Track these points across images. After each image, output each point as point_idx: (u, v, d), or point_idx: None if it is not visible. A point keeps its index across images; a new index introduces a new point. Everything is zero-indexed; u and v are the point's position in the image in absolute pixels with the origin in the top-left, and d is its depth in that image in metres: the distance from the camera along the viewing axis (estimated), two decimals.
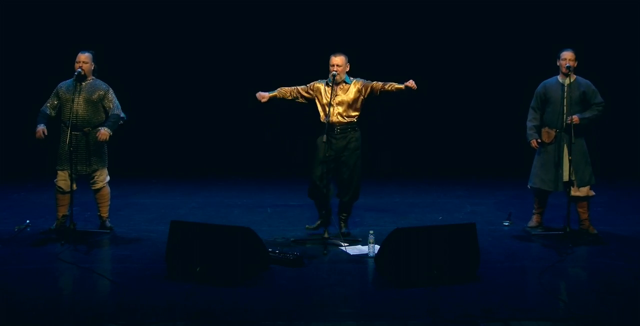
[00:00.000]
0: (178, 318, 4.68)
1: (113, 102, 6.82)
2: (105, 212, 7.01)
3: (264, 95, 6.68)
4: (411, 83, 6.46)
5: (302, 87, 6.75)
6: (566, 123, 6.73)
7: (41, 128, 6.68)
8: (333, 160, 6.62)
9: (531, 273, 5.76)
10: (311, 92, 6.72)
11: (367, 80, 6.71)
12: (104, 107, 6.81)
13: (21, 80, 10.18)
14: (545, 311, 4.87)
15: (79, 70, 6.67)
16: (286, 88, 6.76)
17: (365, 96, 6.67)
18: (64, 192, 6.74)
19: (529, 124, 6.96)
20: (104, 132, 6.65)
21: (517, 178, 7.47)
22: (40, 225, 7.12)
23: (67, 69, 6.86)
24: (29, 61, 10.19)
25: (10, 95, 10.26)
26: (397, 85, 6.60)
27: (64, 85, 6.82)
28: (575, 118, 6.67)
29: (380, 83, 6.66)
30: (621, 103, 10.16)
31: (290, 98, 6.77)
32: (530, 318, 4.70)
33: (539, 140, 6.87)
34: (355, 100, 6.66)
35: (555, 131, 6.83)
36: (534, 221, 7.21)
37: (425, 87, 10.50)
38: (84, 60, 6.71)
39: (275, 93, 6.74)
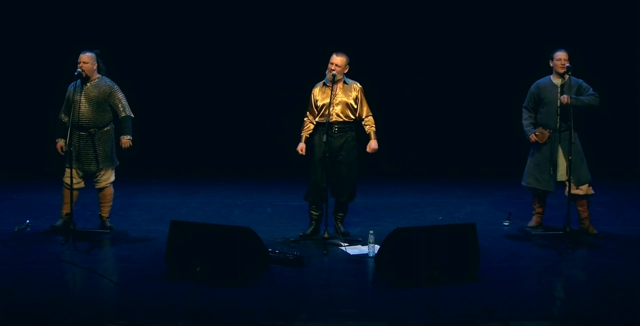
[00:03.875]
0: (178, 318, 4.68)
1: (121, 101, 6.81)
2: (106, 212, 7.02)
3: (302, 147, 6.74)
4: (371, 147, 6.68)
5: (309, 111, 6.78)
6: (560, 123, 6.74)
7: (61, 143, 6.78)
8: (330, 160, 6.61)
9: (531, 273, 5.77)
10: (314, 103, 6.74)
11: (365, 95, 6.73)
12: (111, 106, 6.81)
13: (22, 80, 10.16)
14: (545, 311, 4.87)
15: (79, 70, 6.67)
16: (305, 124, 6.80)
17: (356, 106, 6.74)
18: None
19: (525, 122, 6.97)
20: (126, 141, 6.74)
21: (517, 178, 7.46)
22: (40, 225, 7.12)
23: (69, 69, 6.86)
24: (30, 61, 10.17)
25: (10, 95, 10.25)
26: (372, 132, 6.72)
27: (72, 87, 6.82)
28: (566, 98, 6.64)
29: (368, 114, 6.73)
30: (621, 103, 10.16)
31: (314, 124, 6.80)
32: (530, 318, 4.71)
33: (537, 134, 6.86)
34: (353, 103, 6.67)
35: (550, 131, 6.83)
36: (533, 221, 7.21)
37: (425, 87, 10.61)
38: (85, 60, 6.71)
39: (305, 136, 6.77)
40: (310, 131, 6.80)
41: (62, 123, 6.85)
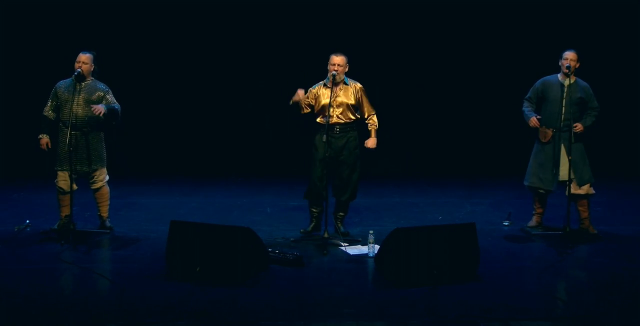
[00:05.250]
0: (178, 318, 4.68)
1: (112, 102, 6.82)
2: (105, 212, 7.01)
3: (301, 94, 6.62)
4: (370, 144, 6.73)
5: (307, 98, 6.78)
6: (564, 123, 6.74)
7: (45, 139, 6.75)
8: (332, 160, 6.62)
9: (531, 273, 5.77)
10: (312, 100, 6.75)
11: (366, 95, 6.73)
12: None
13: (21, 80, 10.17)
14: (545, 311, 4.87)
15: (78, 70, 6.67)
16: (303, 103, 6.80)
17: (357, 106, 6.76)
18: (64, 193, 6.74)
19: (526, 109, 6.97)
20: (100, 107, 6.56)
21: (517, 178, 7.47)
22: (40, 225, 7.12)
23: (67, 69, 6.86)
24: (29, 61, 10.18)
25: (10, 95, 10.26)
26: (373, 129, 6.75)
27: (62, 85, 6.82)
28: (580, 127, 6.69)
29: (370, 113, 6.75)
30: (621, 103, 10.17)
31: (303, 109, 6.78)
32: (530, 318, 4.71)
33: (539, 117, 6.85)
34: (354, 104, 6.68)
35: (553, 131, 6.83)
36: (533, 221, 7.21)
37: (425, 87, 10.61)
38: (84, 60, 6.70)
39: (301, 100, 6.72)
40: (303, 103, 6.71)
41: (47, 120, 6.83)
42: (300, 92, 6.62)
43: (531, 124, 6.87)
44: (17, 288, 5.28)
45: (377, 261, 5.61)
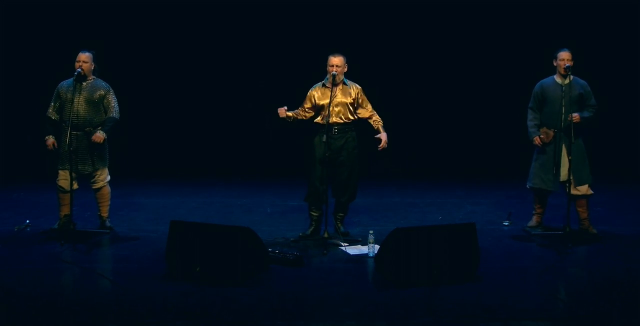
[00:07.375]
0: (178, 318, 4.68)
1: (112, 103, 6.83)
2: (105, 212, 7.01)
3: (282, 111, 6.69)
4: (383, 143, 6.65)
5: (304, 105, 6.79)
6: (565, 123, 6.74)
7: (51, 140, 6.77)
8: (330, 161, 6.61)
9: (531, 273, 5.77)
10: (311, 102, 6.75)
11: (365, 95, 6.73)
12: (104, 107, 6.83)
13: (21, 80, 10.17)
14: (545, 311, 4.87)
15: (79, 69, 6.67)
16: (298, 111, 6.82)
17: (356, 106, 6.73)
18: (65, 191, 6.74)
19: (530, 123, 6.96)
20: (99, 135, 6.69)
21: (517, 178, 7.48)
22: (40, 225, 7.12)
23: (67, 69, 6.86)
24: (29, 61, 10.17)
25: (10, 95, 10.25)
26: (379, 127, 6.70)
27: (64, 85, 6.83)
28: (577, 116, 6.68)
29: (372, 112, 6.75)
30: (621, 103, 10.16)
31: (303, 118, 6.82)
32: (530, 318, 4.71)
33: (542, 137, 6.86)
34: (352, 103, 6.68)
35: (554, 131, 6.83)
36: (534, 221, 7.20)
37: (426, 87, 10.61)
38: (84, 59, 6.71)
39: (292, 114, 6.77)
40: (298, 115, 6.79)
41: (51, 121, 6.85)
42: (281, 111, 6.66)
43: (534, 143, 6.88)
44: (17, 288, 5.28)
45: (377, 261, 5.61)
